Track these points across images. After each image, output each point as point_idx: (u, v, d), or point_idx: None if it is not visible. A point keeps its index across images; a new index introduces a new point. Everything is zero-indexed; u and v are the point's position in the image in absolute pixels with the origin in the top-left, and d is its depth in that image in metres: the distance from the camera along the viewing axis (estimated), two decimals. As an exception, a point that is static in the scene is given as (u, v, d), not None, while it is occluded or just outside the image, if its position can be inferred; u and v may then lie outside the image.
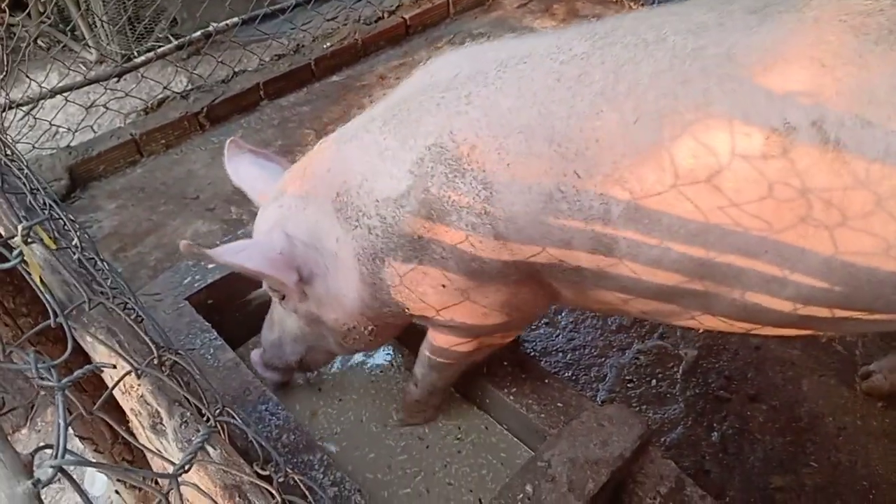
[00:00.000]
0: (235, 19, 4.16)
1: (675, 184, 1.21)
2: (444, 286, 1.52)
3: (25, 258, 0.86)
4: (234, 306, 2.32)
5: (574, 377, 2.38)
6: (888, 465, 2.06)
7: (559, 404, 1.94)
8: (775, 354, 2.40)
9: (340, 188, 1.57)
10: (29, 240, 0.94)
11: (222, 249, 1.58)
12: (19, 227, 0.96)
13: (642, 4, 4.65)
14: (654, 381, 2.36)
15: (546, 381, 1.98)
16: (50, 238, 1.05)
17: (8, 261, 0.87)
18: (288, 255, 1.65)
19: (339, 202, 1.58)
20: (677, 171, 1.21)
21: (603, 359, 2.44)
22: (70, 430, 1.59)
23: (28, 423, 2.39)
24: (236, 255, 1.61)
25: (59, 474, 0.63)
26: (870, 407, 2.22)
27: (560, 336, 2.52)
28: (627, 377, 2.38)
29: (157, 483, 1.26)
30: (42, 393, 1.76)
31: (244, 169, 1.94)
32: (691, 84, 1.20)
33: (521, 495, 1.62)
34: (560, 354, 2.45)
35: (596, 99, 1.28)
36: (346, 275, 1.64)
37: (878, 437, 2.14)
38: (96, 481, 2.21)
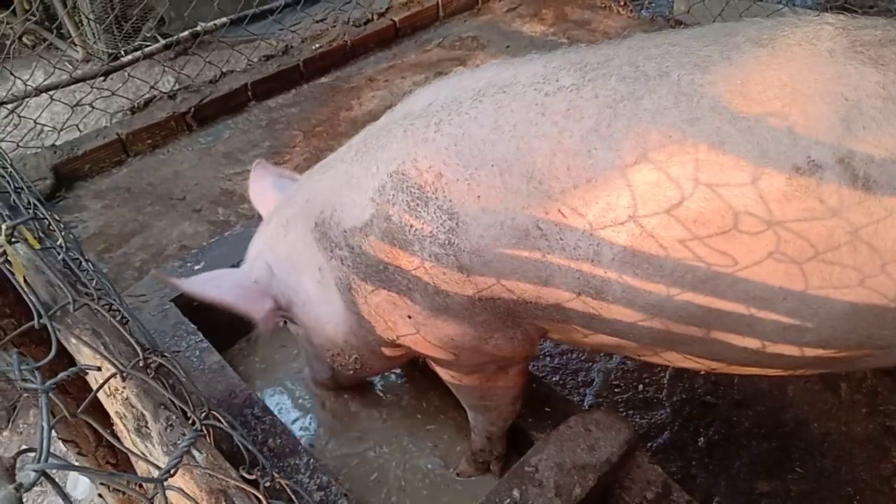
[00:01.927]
0: (224, 19, 4.14)
1: (684, 230, 1.14)
2: (410, 317, 1.47)
3: (9, 258, 0.85)
4: (219, 308, 2.30)
5: (561, 382, 2.38)
6: (872, 471, 2.07)
7: (546, 409, 1.94)
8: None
9: (318, 218, 1.55)
10: (13, 240, 0.93)
11: (194, 279, 1.59)
12: (3, 227, 0.95)
13: (631, 10, 4.67)
14: (640, 387, 2.36)
15: (533, 385, 1.97)
16: (34, 238, 1.03)
17: (-9, 260, 0.86)
18: (264, 284, 1.65)
19: (318, 232, 1.55)
20: (686, 215, 1.13)
21: (590, 363, 2.44)
22: (53, 433, 1.57)
23: (10, 426, 2.36)
24: (204, 284, 1.63)
25: (42, 478, 0.62)
26: (854, 413, 2.23)
27: (547, 340, 2.51)
28: (614, 382, 2.38)
29: (141, 487, 1.24)
30: (25, 395, 1.74)
31: (264, 194, 1.88)
32: (701, 122, 1.12)
33: (508, 500, 1.61)
34: (547, 359, 2.45)
35: (588, 136, 1.19)
36: (330, 303, 1.62)
37: (862, 442, 2.15)
38: (79, 484, 2.19)
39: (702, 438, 2.20)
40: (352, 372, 1.80)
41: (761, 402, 2.28)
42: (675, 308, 1.22)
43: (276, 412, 1.95)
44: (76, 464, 1.56)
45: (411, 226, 1.35)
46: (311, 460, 1.74)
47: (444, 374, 1.71)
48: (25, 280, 0.96)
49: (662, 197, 1.14)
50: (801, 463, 2.11)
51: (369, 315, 1.54)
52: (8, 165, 1.48)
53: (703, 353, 1.37)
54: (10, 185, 1.36)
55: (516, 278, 1.32)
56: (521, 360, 1.67)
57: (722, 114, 1.12)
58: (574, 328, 1.42)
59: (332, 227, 1.51)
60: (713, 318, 1.22)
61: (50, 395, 0.80)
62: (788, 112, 1.09)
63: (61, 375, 0.74)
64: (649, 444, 2.18)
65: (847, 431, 2.18)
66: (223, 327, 2.26)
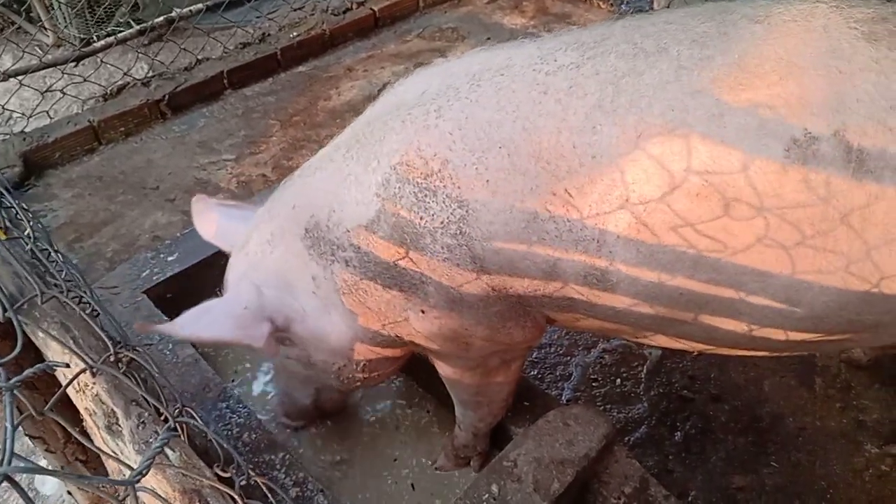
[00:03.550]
0: (199, 6, 4.06)
1: (688, 203, 1.15)
2: (423, 312, 1.44)
3: (-28, 249, 0.81)
4: (194, 300, 2.25)
5: (539, 376, 2.38)
6: (845, 465, 2.10)
7: (525, 403, 1.94)
8: (738, 355, 2.42)
9: (308, 224, 1.48)
10: (-23, 230, 0.89)
11: (181, 321, 1.45)
12: (-33, 216, 0.91)
13: (611, 5, 4.67)
14: (618, 381, 2.36)
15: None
16: (1, 228, 0.99)
17: (-47, 252, 0.82)
18: (255, 307, 1.52)
19: (310, 239, 1.49)
20: (688, 188, 1.14)
21: (568, 358, 2.43)
22: (20, 430, 1.53)
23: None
24: (195, 325, 1.47)
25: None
26: (828, 408, 2.25)
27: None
28: (592, 376, 2.38)
29: (112, 487, 1.21)
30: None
31: (215, 225, 1.78)
32: (702, 95, 1.14)
33: (487, 495, 1.60)
34: (526, 353, 2.44)
35: (592, 112, 1.20)
36: (329, 312, 1.55)
37: (835, 437, 2.17)
38: (47, 480, 2.14)
39: (679, 433, 2.20)
40: (361, 382, 1.74)
41: (738, 397, 2.30)
42: (675, 288, 1.23)
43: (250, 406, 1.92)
44: (43, 463, 1.52)
45: (421, 218, 1.32)
46: (287, 456, 1.72)
47: (445, 369, 1.68)
48: (-10, 272, 0.92)
49: (666, 171, 1.15)
50: (777, 457, 2.13)
51: (379, 314, 1.50)
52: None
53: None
54: (-25, 172, 1.31)
55: (525, 265, 1.31)
56: (525, 351, 1.67)
57: (721, 87, 1.14)
58: (578, 315, 1.42)
59: (329, 230, 1.45)
60: (710, 296, 1.23)
61: (16, 392, 0.77)
62: (785, 84, 1.12)
63: (27, 373, 0.71)
64: (626, 439, 2.18)
65: (821, 426, 2.20)
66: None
